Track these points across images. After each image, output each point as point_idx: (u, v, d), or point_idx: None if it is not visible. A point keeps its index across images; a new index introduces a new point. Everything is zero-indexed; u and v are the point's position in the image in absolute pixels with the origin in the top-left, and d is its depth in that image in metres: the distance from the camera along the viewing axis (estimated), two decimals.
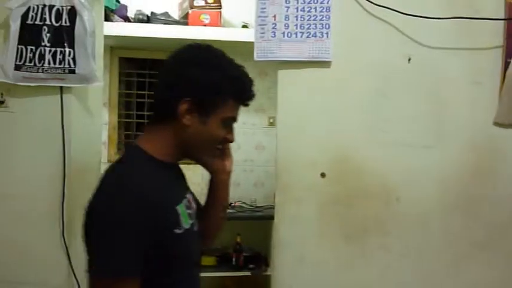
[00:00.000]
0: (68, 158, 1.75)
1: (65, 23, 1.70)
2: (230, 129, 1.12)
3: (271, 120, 3.54)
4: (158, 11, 3.26)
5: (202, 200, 1.28)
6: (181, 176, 1.20)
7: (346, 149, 1.80)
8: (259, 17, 1.77)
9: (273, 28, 1.76)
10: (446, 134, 1.82)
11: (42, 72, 1.69)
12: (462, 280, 1.83)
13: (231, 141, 1.16)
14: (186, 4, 3.23)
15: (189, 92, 1.04)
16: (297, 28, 1.76)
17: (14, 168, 1.76)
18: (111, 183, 1.02)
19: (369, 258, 1.82)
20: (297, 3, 1.76)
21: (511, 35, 1.79)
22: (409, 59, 1.80)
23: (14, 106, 1.75)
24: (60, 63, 1.70)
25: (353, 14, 1.78)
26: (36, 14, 1.70)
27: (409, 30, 1.79)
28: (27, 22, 1.69)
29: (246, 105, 1.12)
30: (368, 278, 1.82)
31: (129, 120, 3.80)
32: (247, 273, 3.24)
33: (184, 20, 3.22)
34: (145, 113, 3.74)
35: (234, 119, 1.12)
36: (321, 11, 1.76)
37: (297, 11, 1.76)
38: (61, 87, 1.74)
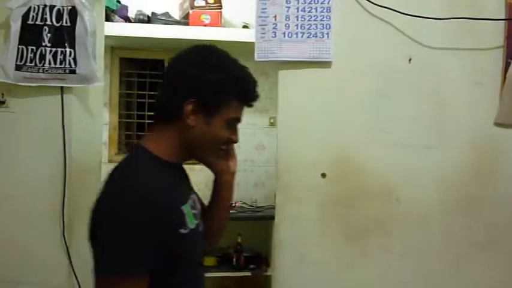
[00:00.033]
0: (68, 158, 1.75)
1: (66, 23, 1.70)
2: (234, 130, 1.13)
3: (271, 121, 3.54)
4: (159, 11, 3.26)
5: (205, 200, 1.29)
6: (185, 177, 1.20)
7: (347, 149, 1.80)
8: (260, 17, 1.77)
9: (274, 28, 1.76)
10: (447, 134, 1.82)
11: (43, 72, 1.69)
12: (463, 280, 1.83)
13: (235, 142, 1.16)
14: (187, 4, 3.23)
15: (193, 92, 1.04)
16: (297, 28, 1.76)
17: (14, 168, 1.76)
18: (116, 183, 1.02)
19: (369, 258, 1.82)
20: (298, 3, 1.76)
21: (511, 35, 1.79)
22: (410, 60, 1.80)
23: (14, 106, 1.75)
24: (60, 64, 1.70)
25: (354, 14, 1.78)
26: (37, 14, 1.70)
27: (410, 31, 1.79)
28: (28, 22, 1.69)
29: (250, 105, 1.12)
30: (369, 278, 1.82)
31: (130, 120, 3.81)
32: (248, 273, 3.24)
33: (185, 20, 3.22)
34: (146, 113, 3.75)
35: (238, 120, 1.12)
36: (321, 11, 1.76)
37: (298, 11, 1.76)
38: (62, 87, 1.74)
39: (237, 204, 3.33)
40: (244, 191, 3.47)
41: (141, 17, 3.21)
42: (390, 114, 1.81)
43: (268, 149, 3.53)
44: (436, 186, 1.82)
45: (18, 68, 1.69)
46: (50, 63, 1.69)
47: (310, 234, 1.80)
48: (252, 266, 3.26)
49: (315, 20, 1.76)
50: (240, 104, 1.10)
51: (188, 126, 1.06)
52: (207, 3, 3.17)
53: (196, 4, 3.17)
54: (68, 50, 1.69)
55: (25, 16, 1.69)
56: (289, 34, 1.76)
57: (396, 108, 1.81)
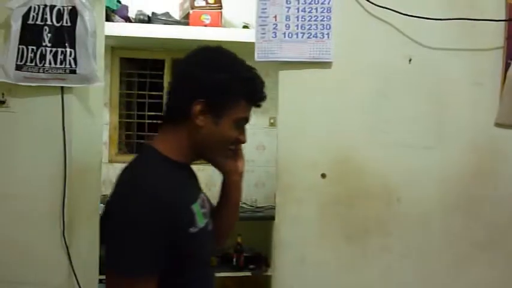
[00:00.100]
0: (68, 158, 1.75)
1: (66, 23, 1.70)
2: (242, 130, 1.15)
3: (271, 121, 3.54)
4: (159, 11, 3.26)
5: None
6: (194, 177, 1.22)
7: (347, 149, 1.80)
8: (260, 17, 1.77)
9: (274, 28, 1.76)
10: (447, 134, 1.82)
11: (43, 72, 1.69)
12: (463, 280, 1.83)
13: (243, 142, 1.18)
14: (187, 4, 3.23)
15: (202, 93, 1.06)
16: (297, 29, 1.76)
17: (14, 168, 1.76)
18: (126, 184, 1.03)
19: (369, 258, 1.82)
20: (298, 3, 1.76)
21: (511, 35, 1.79)
22: (410, 60, 1.80)
23: (15, 106, 1.75)
24: (61, 64, 1.70)
25: (354, 14, 1.78)
26: (37, 14, 1.69)
27: (410, 31, 1.79)
28: (28, 22, 1.69)
29: (258, 106, 1.13)
30: (369, 278, 1.82)
31: (130, 120, 3.81)
32: (248, 273, 3.24)
33: (185, 20, 3.22)
34: (146, 113, 3.75)
35: (247, 120, 1.14)
36: (321, 12, 1.76)
37: (298, 11, 1.76)
38: (62, 87, 1.74)
39: None
40: (245, 191, 3.42)
41: (142, 17, 3.21)
42: (390, 115, 1.81)
43: (269, 149, 3.53)
44: (436, 186, 1.82)
45: (18, 67, 1.69)
46: (50, 63, 1.69)
47: (311, 234, 1.80)
48: (252, 266, 3.26)
49: (315, 21, 1.76)
50: (248, 104, 1.11)
51: (197, 126, 1.07)
52: (207, 3, 3.17)
53: (196, 4, 3.17)
54: (68, 50, 1.69)
55: (25, 16, 1.69)
56: (290, 34, 1.76)
57: (396, 108, 1.81)
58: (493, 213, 1.83)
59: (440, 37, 1.80)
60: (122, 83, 3.72)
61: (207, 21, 3.15)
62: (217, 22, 3.16)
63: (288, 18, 1.76)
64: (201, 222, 1.09)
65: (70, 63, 1.70)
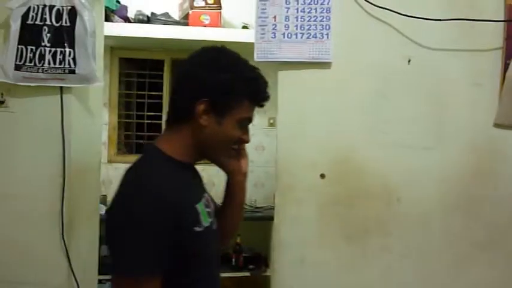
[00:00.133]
0: (68, 158, 1.74)
1: (65, 23, 1.70)
2: (246, 130, 1.15)
3: (271, 121, 3.54)
4: (158, 11, 3.26)
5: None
6: (198, 176, 1.22)
7: (347, 149, 1.80)
8: (260, 17, 1.77)
9: (273, 29, 1.77)
10: (446, 135, 1.82)
11: (42, 72, 1.69)
12: (463, 280, 1.83)
13: (247, 142, 1.18)
14: (186, 5, 3.23)
15: (205, 93, 1.06)
16: (297, 29, 1.76)
17: (14, 168, 1.75)
18: (130, 184, 1.04)
19: (369, 259, 1.82)
20: (297, 4, 1.76)
21: (510, 36, 1.79)
22: (409, 60, 1.80)
23: (14, 106, 1.75)
24: (60, 64, 1.69)
25: (353, 15, 1.78)
26: (37, 14, 1.69)
27: (409, 32, 1.79)
28: (28, 22, 1.69)
29: (261, 106, 1.14)
30: (369, 278, 1.82)
31: (129, 120, 3.81)
32: (247, 273, 3.24)
33: (185, 21, 3.22)
34: (145, 113, 3.75)
35: (250, 120, 1.14)
36: (321, 12, 1.76)
37: (297, 12, 1.76)
38: (61, 87, 1.74)
39: None
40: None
41: (141, 17, 3.21)
42: (389, 115, 1.81)
43: (268, 149, 3.53)
44: (435, 186, 1.83)
45: (17, 67, 1.68)
46: (49, 63, 1.69)
47: (310, 234, 1.80)
48: (251, 267, 3.27)
49: (314, 21, 1.76)
50: (252, 104, 1.12)
51: (200, 126, 1.07)
52: (206, 3, 3.17)
53: (195, 4, 3.17)
54: (67, 50, 1.69)
55: (25, 16, 1.69)
56: (289, 35, 1.76)
57: (395, 109, 1.81)
58: (492, 213, 1.84)
59: (439, 37, 1.80)
60: (121, 83, 3.72)
61: (207, 22, 3.15)
62: (217, 22, 3.17)
63: (287, 18, 1.76)
64: (205, 221, 1.10)
65: (69, 63, 1.69)
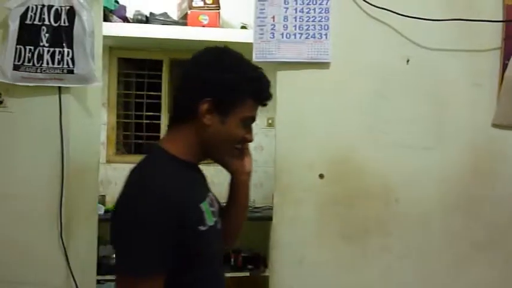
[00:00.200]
0: (66, 158, 1.74)
1: (64, 23, 1.70)
2: (249, 129, 1.16)
3: (270, 121, 3.54)
4: (157, 11, 3.26)
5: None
6: (202, 176, 1.22)
7: (346, 149, 1.80)
8: (258, 17, 1.77)
9: (272, 29, 1.76)
10: (445, 135, 1.82)
11: (41, 72, 1.69)
12: (463, 280, 1.83)
13: (250, 141, 1.20)
14: (185, 5, 3.23)
15: (209, 92, 1.07)
16: (295, 29, 1.76)
17: (12, 168, 1.75)
18: (135, 184, 1.04)
19: (369, 259, 1.82)
20: (296, 4, 1.76)
21: (509, 36, 1.79)
22: (408, 61, 1.81)
23: (12, 106, 1.75)
24: (58, 64, 1.69)
25: (352, 15, 1.78)
26: (35, 14, 1.69)
27: (408, 32, 1.79)
28: (26, 22, 1.69)
29: (264, 105, 1.15)
30: (368, 278, 1.82)
31: (128, 120, 3.80)
32: (246, 273, 3.25)
33: (183, 21, 3.22)
34: (144, 113, 3.75)
35: (253, 119, 1.15)
36: (319, 12, 1.76)
37: (296, 12, 1.76)
38: (59, 87, 1.73)
39: None
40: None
41: (139, 17, 3.21)
42: (389, 115, 1.81)
43: (267, 149, 3.52)
44: (435, 186, 1.83)
45: (16, 67, 1.68)
46: (47, 63, 1.69)
47: (309, 234, 1.80)
48: (250, 267, 3.27)
49: (313, 21, 1.76)
50: (255, 103, 1.13)
51: (204, 125, 1.08)
52: (205, 3, 3.17)
53: (194, 4, 3.17)
54: (66, 50, 1.69)
55: (23, 16, 1.69)
56: (288, 35, 1.76)
57: (395, 109, 1.81)
58: (492, 213, 1.84)
59: (438, 38, 1.80)
60: (119, 83, 3.72)
61: (205, 22, 3.15)
62: (215, 22, 3.17)
63: (286, 18, 1.76)
64: (210, 220, 1.10)
65: (68, 63, 1.69)
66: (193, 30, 3.13)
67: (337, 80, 1.79)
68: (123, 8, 3.24)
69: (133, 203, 1.00)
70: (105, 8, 2.83)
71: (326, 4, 1.76)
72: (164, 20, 3.21)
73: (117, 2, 3.23)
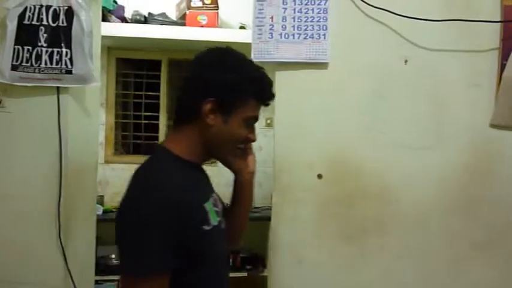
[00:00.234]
0: (64, 159, 1.74)
1: (62, 23, 1.70)
2: (252, 129, 1.17)
3: (268, 121, 3.53)
4: (155, 11, 3.26)
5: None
6: (205, 176, 1.23)
7: (344, 150, 1.80)
8: (257, 18, 1.77)
9: (270, 29, 1.77)
10: (444, 135, 1.83)
11: (39, 72, 1.69)
12: (462, 280, 1.83)
13: (253, 141, 1.20)
14: (184, 5, 3.23)
15: (212, 92, 1.08)
16: (294, 29, 1.76)
17: (10, 168, 1.75)
18: (138, 184, 1.05)
19: (368, 259, 1.82)
20: (294, 4, 1.76)
21: (507, 37, 1.80)
22: (406, 61, 1.81)
23: (10, 106, 1.75)
24: (57, 64, 1.69)
25: (350, 15, 1.79)
26: (33, 14, 1.69)
27: (406, 32, 1.79)
28: (24, 22, 1.69)
29: (267, 105, 1.16)
30: (367, 279, 1.82)
31: (126, 121, 3.80)
32: (244, 274, 3.24)
33: (182, 21, 3.22)
34: (143, 113, 3.74)
35: (256, 119, 1.16)
36: (318, 13, 1.76)
37: (294, 12, 1.77)
38: (58, 87, 1.73)
39: None
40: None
41: (138, 17, 3.21)
42: (387, 116, 1.81)
43: (265, 149, 3.50)
44: (434, 186, 1.83)
45: (14, 68, 1.68)
46: (46, 64, 1.69)
47: (308, 235, 1.80)
48: (248, 267, 3.27)
49: (311, 21, 1.76)
50: (257, 103, 1.14)
51: (207, 125, 1.09)
52: (203, 3, 3.17)
53: (193, 5, 3.17)
54: (64, 50, 1.69)
55: (21, 16, 1.69)
56: (286, 35, 1.76)
57: (393, 109, 1.81)
58: (491, 213, 1.84)
59: (436, 38, 1.80)
60: (118, 84, 3.72)
61: (204, 22, 3.15)
62: (214, 23, 3.17)
63: (284, 19, 1.76)
64: (214, 220, 1.11)
65: (66, 64, 1.69)
66: (192, 31, 3.13)
67: (335, 80, 1.79)
68: (122, 8, 3.23)
69: (136, 204, 1.01)
70: (104, 8, 2.83)
71: (324, 4, 1.76)
72: (163, 20, 3.21)
73: (116, 2, 3.23)
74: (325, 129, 1.80)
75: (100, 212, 3.07)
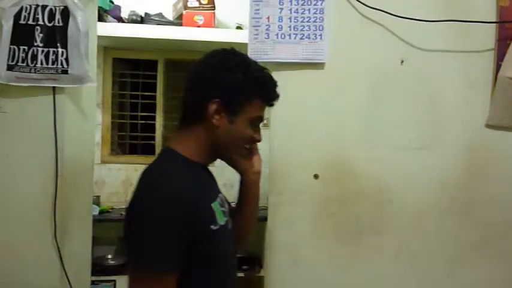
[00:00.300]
0: (60, 159, 1.74)
1: (58, 23, 1.69)
2: (257, 129, 1.18)
3: (264, 122, 3.53)
4: (152, 11, 3.25)
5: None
6: (212, 177, 1.23)
7: (341, 150, 1.81)
8: (253, 18, 1.77)
9: (267, 29, 1.77)
10: (441, 136, 1.83)
11: (35, 72, 1.68)
12: (457, 281, 1.84)
13: (259, 141, 1.22)
14: (180, 5, 3.22)
15: (217, 93, 1.09)
16: (290, 30, 1.76)
17: (6, 168, 1.74)
18: (149, 183, 1.06)
19: (364, 259, 1.82)
20: (291, 4, 1.76)
21: (503, 37, 1.80)
22: (402, 61, 1.81)
23: (6, 106, 1.74)
24: (53, 64, 1.69)
25: (347, 16, 1.79)
26: (29, 14, 1.68)
27: (403, 33, 1.80)
28: (20, 22, 1.68)
29: (271, 105, 1.18)
30: (363, 279, 1.82)
31: (123, 121, 3.79)
32: (241, 274, 3.24)
33: (178, 21, 3.22)
34: (139, 113, 3.74)
35: (261, 119, 1.17)
36: (314, 13, 1.77)
37: (291, 12, 1.77)
38: (54, 87, 1.73)
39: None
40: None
41: (134, 17, 3.20)
42: (383, 116, 1.81)
43: (262, 150, 3.51)
44: (430, 187, 1.83)
45: (9, 68, 1.67)
46: (42, 63, 1.68)
47: (304, 235, 1.80)
48: (245, 267, 3.26)
49: (308, 22, 1.77)
50: (262, 103, 1.15)
51: (213, 126, 1.10)
52: (200, 4, 3.16)
53: (189, 5, 3.16)
54: (60, 50, 1.68)
55: (17, 16, 1.68)
56: (282, 35, 1.76)
57: (389, 109, 1.82)
58: (486, 214, 1.85)
59: (432, 39, 1.81)
60: (114, 84, 3.71)
61: (200, 22, 3.15)
62: (211, 23, 3.16)
63: (280, 19, 1.76)
64: (221, 219, 1.12)
65: (62, 64, 1.69)
66: (189, 31, 3.12)
67: (332, 81, 1.80)
68: (118, 8, 3.23)
69: (146, 204, 1.01)
70: (100, 8, 2.83)
71: (321, 5, 1.76)
72: (159, 20, 3.20)
73: (112, 2, 3.22)
74: (322, 129, 1.80)
75: (96, 212, 3.06)
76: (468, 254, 1.85)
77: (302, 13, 1.76)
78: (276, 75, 1.77)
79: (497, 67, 1.80)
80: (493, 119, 1.82)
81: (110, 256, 3.18)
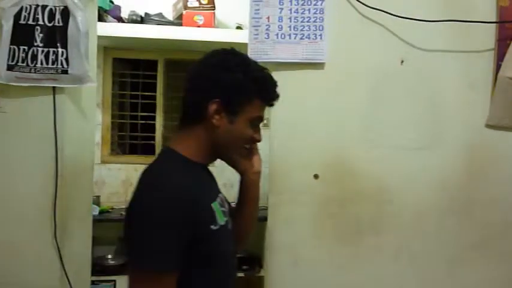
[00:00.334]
0: (60, 159, 1.74)
1: (58, 23, 1.69)
2: (257, 129, 1.18)
3: (264, 121, 3.53)
4: (152, 11, 3.25)
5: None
6: (212, 177, 1.23)
7: (341, 150, 1.81)
8: (253, 18, 1.77)
9: (267, 29, 1.77)
10: (441, 136, 1.83)
11: (35, 72, 1.68)
12: (457, 281, 1.84)
13: (259, 141, 1.22)
14: (180, 5, 3.22)
15: (217, 93, 1.09)
16: (290, 30, 1.76)
17: (6, 168, 1.74)
18: (149, 183, 1.06)
19: (364, 259, 1.82)
20: (291, 4, 1.76)
21: (503, 37, 1.80)
22: (402, 61, 1.81)
23: (6, 106, 1.74)
24: (53, 64, 1.69)
25: (347, 16, 1.79)
26: (29, 14, 1.69)
27: (403, 33, 1.80)
28: (20, 22, 1.68)
29: (271, 105, 1.18)
30: (363, 279, 1.82)
31: (123, 121, 3.79)
32: (241, 274, 3.24)
33: (178, 21, 3.22)
34: (139, 113, 3.74)
35: (261, 119, 1.17)
36: (314, 13, 1.77)
37: (291, 12, 1.77)
38: (54, 87, 1.73)
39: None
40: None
41: (134, 17, 3.20)
42: (383, 116, 1.81)
43: (261, 150, 3.52)
44: (430, 187, 1.83)
45: (9, 68, 1.67)
46: (42, 63, 1.68)
47: (304, 235, 1.81)
48: (245, 267, 3.26)
49: (308, 22, 1.77)
50: (262, 103, 1.15)
51: (213, 126, 1.10)
52: (200, 4, 3.17)
53: (189, 5, 3.16)
54: (60, 50, 1.69)
55: (17, 16, 1.68)
56: (282, 35, 1.76)
57: (389, 109, 1.82)
58: (486, 214, 1.85)
59: (432, 39, 1.81)
60: (114, 84, 3.71)
61: (200, 22, 3.15)
62: (211, 23, 3.16)
63: (280, 19, 1.76)
64: (221, 219, 1.12)
65: (62, 64, 1.69)
66: (189, 31, 3.12)
67: (332, 81, 1.80)
68: (118, 8, 3.23)
69: (146, 204, 1.02)
70: (100, 8, 2.83)
71: (321, 5, 1.76)
72: (159, 20, 3.20)
73: (112, 2, 3.22)
74: (322, 129, 1.80)
75: (96, 212, 3.06)
76: (468, 254, 1.85)
77: (302, 13, 1.76)
78: (276, 75, 1.77)
79: (497, 67, 1.80)
80: (493, 119, 1.82)
81: (110, 256, 3.18)
